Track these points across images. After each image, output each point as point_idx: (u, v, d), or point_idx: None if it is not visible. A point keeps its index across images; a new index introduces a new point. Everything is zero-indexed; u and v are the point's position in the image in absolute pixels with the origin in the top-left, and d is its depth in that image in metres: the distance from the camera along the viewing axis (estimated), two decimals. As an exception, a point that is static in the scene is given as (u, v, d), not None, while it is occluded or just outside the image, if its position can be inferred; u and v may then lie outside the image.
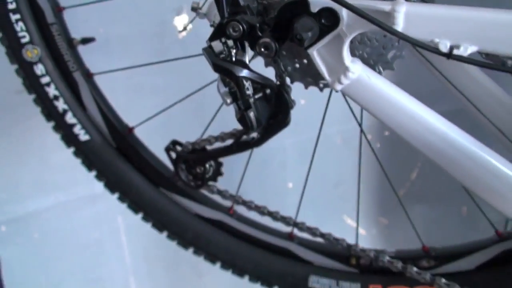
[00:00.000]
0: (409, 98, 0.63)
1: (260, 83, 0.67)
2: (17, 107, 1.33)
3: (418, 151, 0.66)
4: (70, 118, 0.94)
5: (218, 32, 0.64)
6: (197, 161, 0.84)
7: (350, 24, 0.59)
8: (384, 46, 0.67)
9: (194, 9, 0.73)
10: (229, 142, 0.81)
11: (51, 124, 0.96)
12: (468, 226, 1.59)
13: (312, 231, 0.86)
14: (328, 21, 0.60)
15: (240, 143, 0.79)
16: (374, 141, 1.84)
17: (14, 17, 0.86)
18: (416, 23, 0.56)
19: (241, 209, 1.01)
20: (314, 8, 0.60)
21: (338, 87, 0.64)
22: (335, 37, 0.61)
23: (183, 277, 1.73)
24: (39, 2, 0.88)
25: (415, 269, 0.82)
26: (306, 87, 0.74)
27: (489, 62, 0.62)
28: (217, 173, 0.86)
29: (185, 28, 0.80)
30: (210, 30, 0.68)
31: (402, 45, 0.68)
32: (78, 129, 0.95)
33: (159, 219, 1.01)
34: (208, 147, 0.86)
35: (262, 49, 0.64)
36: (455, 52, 0.55)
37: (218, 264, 1.01)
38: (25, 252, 1.46)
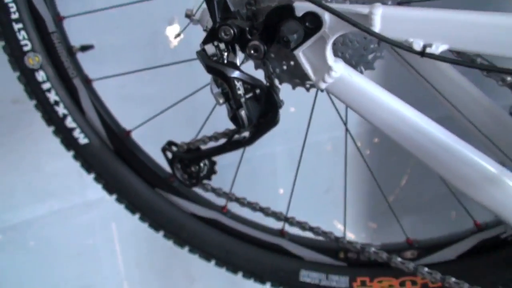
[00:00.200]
0: (388, 94, 0.67)
1: (250, 83, 0.71)
2: (13, 116, 1.35)
3: (398, 145, 0.70)
4: (70, 123, 0.97)
5: (211, 36, 0.69)
6: (192, 160, 0.88)
7: (332, 26, 0.63)
8: (364, 48, 0.72)
9: (188, 16, 0.78)
10: (222, 141, 0.85)
11: (52, 128, 0.99)
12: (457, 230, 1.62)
13: (302, 225, 0.91)
14: (312, 24, 0.64)
15: (232, 142, 0.82)
16: (364, 148, 1.87)
17: (16, 26, 0.89)
18: (392, 25, 0.61)
19: (234, 208, 1.05)
20: (299, 13, 0.64)
21: (323, 85, 0.68)
22: (319, 39, 0.65)
23: (176, 283, 1.75)
24: (40, 11, 0.90)
25: (399, 259, 0.86)
26: (293, 88, 0.78)
27: (459, 59, 0.67)
28: (211, 171, 0.90)
29: (179, 34, 0.84)
30: (200, 39, 0.72)
31: (381, 46, 0.73)
32: (77, 133, 0.98)
33: (156, 219, 1.04)
34: (202, 147, 0.90)
35: (252, 51, 0.68)
36: (428, 50, 0.59)
37: (212, 262, 1.04)
38: (21, 259, 1.47)
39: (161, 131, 1.03)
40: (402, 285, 0.93)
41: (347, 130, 0.92)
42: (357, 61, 0.74)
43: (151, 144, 1.06)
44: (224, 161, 0.95)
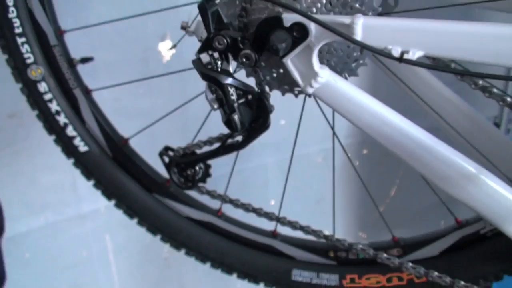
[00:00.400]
0: (371, 98, 0.72)
1: (242, 89, 0.76)
2: (9, 130, 1.38)
3: (380, 145, 0.75)
4: (70, 131, 1.00)
5: (205, 46, 0.74)
6: (188, 164, 0.92)
7: (317, 35, 0.69)
8: (348, 56, 0.77)
9: (184, 28, 0.83)
10: (217, 145, 0.89)
11: (53, 137, 1.02)
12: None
13: (293, 224, 0.95)
14: (299, 33, 0.69)
15: (226, 146, 0.86)
16: (353, 159, 1.91)
17: (20, 40, 0.93)
18: (372, 33, 0.66)
19: (228, 212, 1.09)
20: (287, 23, 0.69)
21: (310, 90, 0.73)
22: (305, 47, 0.70)
23: (170, 294, 1.75)
24: (42, 26, 0.94)
25: (384, 255, 0.91)
26: (283, 94, 0.83)
27: (435, 64, 0.72)
28: (206, 174, 0.93)
29: (175, 46, 0.89)
30: (192, 55, 0.77)
31: (364, 54, 0.78)
32: (78, 141, 1.01)
33: (153, 223, 1.06)
34: (198, 151, 0.93)
35: (244, 59, 0.73)
36: (405, 56, 0.64)
37: (208, 264, 1.07)
38: (17, 271, 1.44)
39: (155, 141, 1.06)
40: (389, 281, 0.97)
41: (334, 134, 0.97)
42: (341, 68, 0.79)
43: (145, 153, 1.10)
44: (217, 172, 0.99)
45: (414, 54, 0.64)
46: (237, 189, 1.06)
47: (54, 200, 1.50)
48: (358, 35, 0.66)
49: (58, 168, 1.47)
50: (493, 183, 0.72)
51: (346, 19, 0.66)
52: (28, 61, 0.95)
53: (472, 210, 0.75)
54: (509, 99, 0.71)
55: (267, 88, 0.82)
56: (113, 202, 1.07)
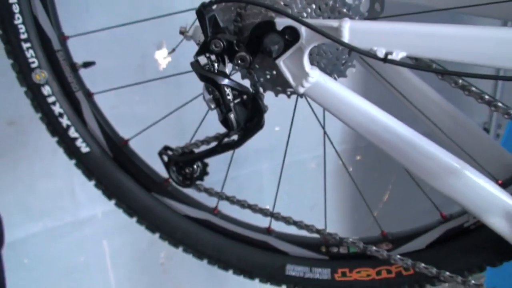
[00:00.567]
0: (358, 97, 0.77)
1: (238, 90, 0.80)
2: (8, 137, 1.40)
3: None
4: (73, 133, 1.03)
5: (203, 49, 0.79)
6: (186, 163, 0.96)
7: (308, 38, 0.74)
8: (337, 58, 0.82)
9: (182, 32, 0.88)
10: (214, 144, 0.93)
11: (55, 139, 1.04)
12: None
13: (286, 219, 0.99)
14: (290, 36, 0.74)
15: (223, 145, 0.90)
16: (347, 165, 1.94)
17: (25, 45, 0.96)
18: (358, 36, 0.70)
19: (224, 209, 1.12)
20: (279, 27, 0.74)
21: (301, 90, 0.78)
22: (297, 49, 0.75)
23: (167, 300, 1.77)
24: (47, 32, 0.97)
25: (374, 247, 0.95)
26: (276, 95, 0.87)
27: (417, 64, 0.78)
28: (204, 172, 0.97)
29: (174, 50, 0.94)
30: (187, 63, 0.81)
31: (351, 57, 0.83)
32: (79, 142, 1.03)
33: (152, 221, 1.09)
34: (195, 150, 0.97)
35: (239, 61, 0.78)
36: (389, 57, 0.68)
37: (205, 261, 1.10)
38: (15, 277, 1.45)
39: (151, 145, 1.08)
40: (378, 274, 1.00)
41: (325, 133, 1.01)
42: (331, 70, 0.83)
43: (143, 155, 1.14)
44: (213, 178, 1.03)
45: (398, 55, 0.69)
46: (233, 194, 1.08)
47: (52, 206, 1.51)
48: (346, 38, 0.71)
49: (57, 174, 1.50)
50: (474, 176, 0.77)
51: (334, 23, 0.71)
52: (33, 65, 0.98)
53: (455, 202, 0.80)
54: (486, 96, 0.76)
55: (261, 89, 0.87)
56: (113, 202, 1.10)
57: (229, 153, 1.04)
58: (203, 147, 0.96)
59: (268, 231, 1.10)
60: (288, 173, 1.17)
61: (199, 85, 0.88)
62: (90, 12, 1.39)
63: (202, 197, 1.10)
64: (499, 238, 0.80)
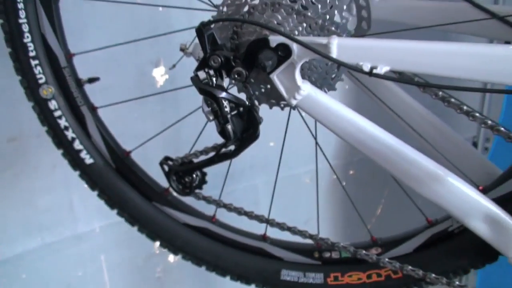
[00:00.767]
0: (345, 108, 0.82)
1: (235, 102, 0.86)
2: (8, 154, 1.42)
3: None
4: (77, 145, 1.07)
5: (202, 64, 0.85)
6: (185, 172, 1.01)
7: (299, 54, 0.79)
8: (326, 72, 0.88)
9: (182, 49, 0.94)
10: (212, 154, 0.98)
11: (61, 151, 1.08)
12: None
13: (281, 225, 1.04)
14: (283, 52, 0.79)
15: (220, 155, 0.95)
16: (340, 179, 2.01)
17: (33, 62, 1.01)
18: (345, 51, 0.75)
19: (222, 217, 1.17)
20: (273, 44, 0.79)
21: (294, 102, 0.83)
22: (289, 64, 0.80)
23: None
24: (54, 49, 1.02)
25: (364, 251, 1.01)
26: (270, 107, 0.93)
27: (400, 77, 0.83)
28: (202, 181, 1.02)
29: (174, 66, 1.00)
30: (185, 80, 0.87)
31: (340, 71, 0.89)
32: (84, 154, 1.08)
33: (153, 230, 1.13)
34: (194, 160, 1.02)
35: (236, 76, 0.84)
36: (374, 71, 0.73)
37: (203, 267, 1.14)
38: None
39: (149, 159, 1.14)
40: (368, 278, 1.05)
41: (317, 143, 1.07)
42: (321, 83, 0.89)
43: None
44: (209, 193, 1.08)
45: (382, 69, 0.74)
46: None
47: (51, 221, 1.53)
48: (334, 53, 0.76)
49: (56, 190, 1.53)
50: (457, 183, 0.82)
51: (323, 40, 0.76)
52: (40, 81, 1.03)
53: (439, 207, 0.84)
54: (465, 107, 0.82)
55: (256, 102, 0.93)
56: (115, 211, 1.14)
57: (225, 168, 1.11)
58: (202, 157, 1.01)
59: (263, 238, 1.15)
60: (283, 188, 1.22)
61: (195, 102, 0.95)
62: (88, 31, 1.43)
63: (200, 206, 1.15)
64: (481, 242, 0.84)
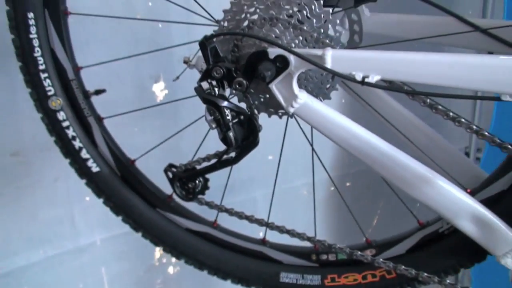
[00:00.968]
0: (340, 115, 0.87)
1: (236, 111, 0.90)
2: (11, 168, 1.47)
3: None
4: (84, 154, 1.11)
5: (205, 75, 0.89)
6: (189, 178, 1.05)
7: (296, 65, 0.83)
8: (321, 82, 0.94)
9: (186, 62, 0.99)
10: (214, 161, 1.02)
11: (68, 160, 1.12)
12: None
13: (280, 228, 1.09)
14: (281, 64, 0.84)
15: (222, 161, 0.99)
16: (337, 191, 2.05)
17: (43, 75, 1.05)
18: (339, 62, 0.80)
19: (223, 223, 1.21)
20: (271, 56, 0.84)
21: (291, 110, 0.88)
22: (287, 75, 0.84)
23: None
24: (62, 63, 1.06)
25: (359, 252, 1.05)
26: (269, 116, 0.98)
27: (390, 86, 0.89)
28: (205, 187, 1.06)
29: (178, 78, 1.05)
30: (184, 93, 0.91)
31: (334, 81, 0.94)
32: (90, 163, 1.12)
33: (156, 235, 1.18)
34: (197, 167, 1.06)
35: (237, 86, 0.89)
36: (366, 80, 0.78)
37: (205, 271, 1.18)
38: None
39: (152, 167, 1.18)
40: (364, 278, 1.09)
41: (313, 150, 1.12)
42: (317, 92, 0.95)
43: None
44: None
45: (373, 78, 0.79)
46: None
47: (53, 234, 1.57)
48: (329, 64, 0.81)
49: (58, 203, 1.57)
50: (446, 185, 0.87)
51: (318, 52, 0.81)
52: (49, 93, 1.06)
53: (430, 209, 0.89)
54: (451, 113, 0.87)
55: (256, 111, 0.98)
56: (120, 217, 1.18)
57: (224, 181, 1.16)
58: (204, 164, 1.05)
59: (263, 242, 1.19)
60: (281, 200, 1.27)
61: (195, 116, 1.01)
62: (90, 47, 1.48)
63: (202, 212, 1.19)
64: (470, 242, 0.89)
